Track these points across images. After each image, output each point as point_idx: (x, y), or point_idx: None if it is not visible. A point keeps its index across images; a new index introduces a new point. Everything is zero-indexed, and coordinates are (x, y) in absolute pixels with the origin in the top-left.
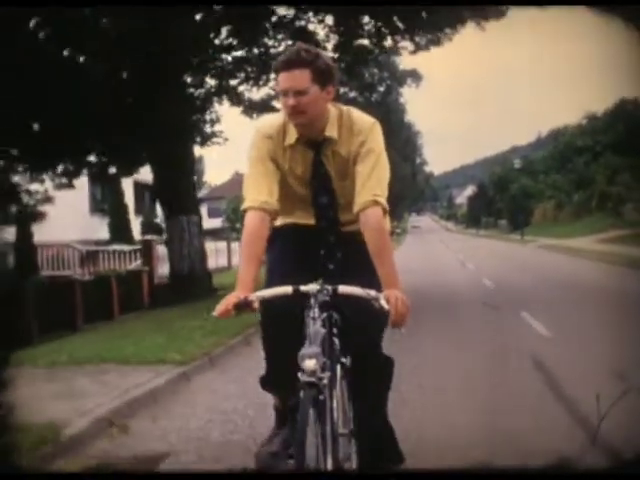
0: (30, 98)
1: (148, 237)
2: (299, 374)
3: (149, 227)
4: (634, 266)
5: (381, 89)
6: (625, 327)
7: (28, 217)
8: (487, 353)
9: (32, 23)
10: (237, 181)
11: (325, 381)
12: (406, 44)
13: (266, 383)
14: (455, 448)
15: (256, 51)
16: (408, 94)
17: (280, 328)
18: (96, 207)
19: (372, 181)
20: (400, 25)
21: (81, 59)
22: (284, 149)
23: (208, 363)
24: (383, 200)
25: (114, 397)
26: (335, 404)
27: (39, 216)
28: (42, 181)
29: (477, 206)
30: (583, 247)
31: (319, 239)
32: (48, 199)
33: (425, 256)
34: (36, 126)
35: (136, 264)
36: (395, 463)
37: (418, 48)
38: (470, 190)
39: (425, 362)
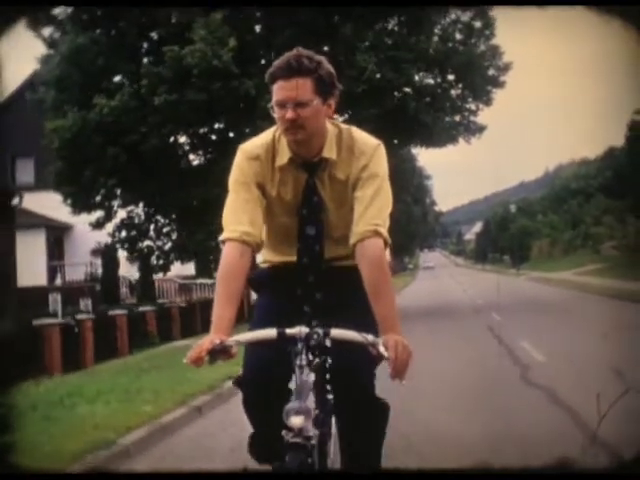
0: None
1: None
2: (283, 432)
3: (217, 263)
4: (587, 290)
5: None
6: (548, 321)
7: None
8: (468, 328)
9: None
10: None
11: (314, 440)
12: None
13: (256, 451)
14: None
15: None
16: None
17: (263, 379)
18: None
19: (373, 209)
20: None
21: None
22: (273, 171)
23: None
24: (384, 231)
25: None
26: (330, 462)
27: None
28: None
29: (484, 242)
30: (561, 278)
31: (298, 276)
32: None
33: (436, 285)
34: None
35: None
36: None
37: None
38: (478, 227)
39: (432, 334)
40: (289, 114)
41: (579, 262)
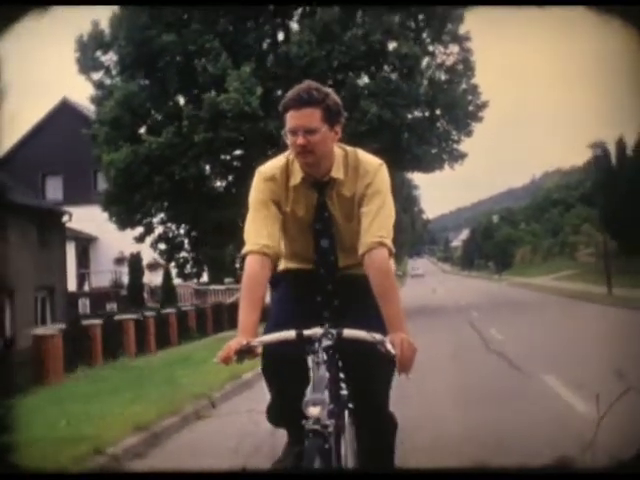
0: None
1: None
2: (303, 422)
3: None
4: (556, 293)
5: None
6: (514, 316)
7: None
8: (449, 321)
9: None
10: None
11: (331, 429)
12: None
13: (272, 417)
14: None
15: None
16: None
17: (283, 374)
18: None
19: (378, 222)
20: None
21: None
22: (287, 190)
23: None
24: (389, 241)
25: None
26: (344, 450)
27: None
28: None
29: (470, 249)
30: (537, 283)
31: (317, 285)
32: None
33: (424, 290)
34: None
35: (238, 295)
36: None
37: (418, 172)
38: (465, 234)
39: (422, 328)
40: (300, 140)
41: (556, 268)
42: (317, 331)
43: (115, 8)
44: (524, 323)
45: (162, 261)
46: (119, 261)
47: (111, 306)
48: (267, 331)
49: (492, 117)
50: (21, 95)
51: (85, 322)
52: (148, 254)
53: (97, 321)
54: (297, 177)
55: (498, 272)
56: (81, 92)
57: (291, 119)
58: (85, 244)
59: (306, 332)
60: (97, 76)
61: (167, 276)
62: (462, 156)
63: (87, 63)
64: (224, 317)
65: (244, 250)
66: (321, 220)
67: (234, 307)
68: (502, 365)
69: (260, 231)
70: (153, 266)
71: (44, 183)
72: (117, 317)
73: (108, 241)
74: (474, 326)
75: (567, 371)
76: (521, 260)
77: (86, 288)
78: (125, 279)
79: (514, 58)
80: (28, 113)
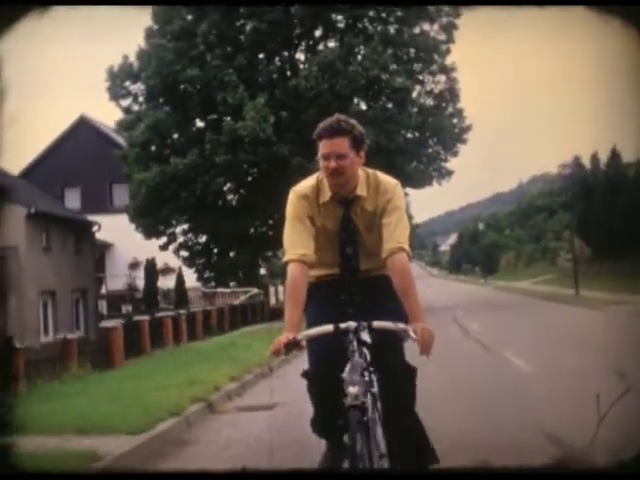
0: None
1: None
2: (344, 399)
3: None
4: (532, 295)
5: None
6: (493, 313)
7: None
8: (438, 319)
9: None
10: None
11: (367, 405)
12: None
13: (316, 427)
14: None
15: None
16: None
17: (324, 360)
18: None
19: (398, 232)
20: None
21: None
22: (318, 207)
23: None
24: (407, 247)
25: None
26: (371, 425)
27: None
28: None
29: (458, 254)
30: (518, 287)
31: (341, 285)
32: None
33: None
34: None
35: (243, 298)
36: (429, 463)
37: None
38: (453, 238)
39: None
40: (332, 164)
41: (537, 273)
42: (351, 324)
43: (142, 44)
44: (498, 317)
45: (173, 266)
46: (133, 266)
47: (126, 307)
48: (308, 326)
49: (489, 118)
50: (21, 95)
51: (136, 318)
52: (160, 260)
53: (146, 317)
54: (326, 195)
55: (484, 277)
56: (81, 92)
57: (324, 146)
58: (102, 250)
59: (342, 325)
60: (125, 103)
61: (180, 280)
62: (449, 173)
63: (117, 91)
64: (238, 316)
65: (285, 258)
66: (346, 231)
67: (244, 308)
68: (478, 346)
69: (297, 242)
70: (165, 271)
71: (63, 194)
72: (158, 315)
73: (123, 248)
74: (458, 322)
75: (521, 348)
76: (506, 265)
77: (103, 291)
78: (138, 283)
79: (513, 58)
80: (28, 113)
